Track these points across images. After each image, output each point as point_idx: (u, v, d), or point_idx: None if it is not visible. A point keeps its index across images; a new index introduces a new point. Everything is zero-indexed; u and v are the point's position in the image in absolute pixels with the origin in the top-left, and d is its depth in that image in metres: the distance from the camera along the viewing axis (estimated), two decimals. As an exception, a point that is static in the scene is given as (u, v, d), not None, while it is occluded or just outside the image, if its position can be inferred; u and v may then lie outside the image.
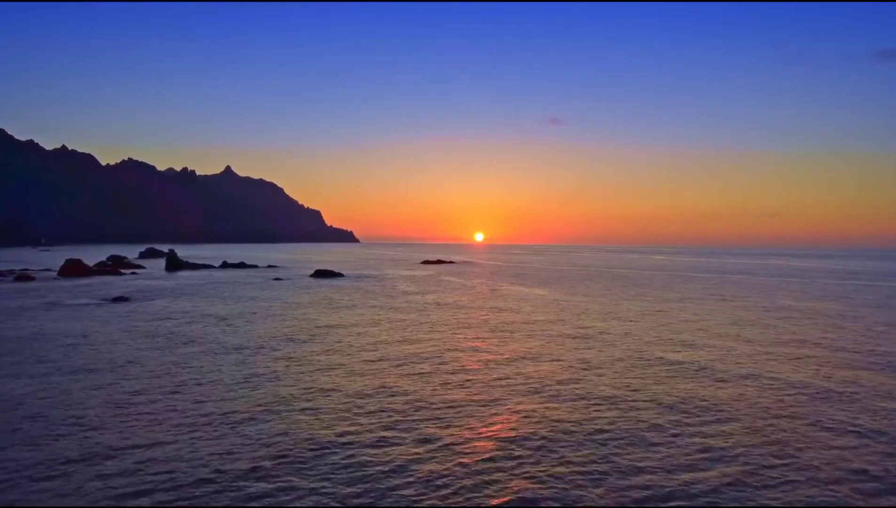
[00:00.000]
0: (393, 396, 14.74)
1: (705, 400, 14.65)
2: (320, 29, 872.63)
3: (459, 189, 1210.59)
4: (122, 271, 64.45)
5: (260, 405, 13.69)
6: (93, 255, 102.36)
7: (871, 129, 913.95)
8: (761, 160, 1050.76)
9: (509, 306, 36.00)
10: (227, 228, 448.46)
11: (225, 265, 78.09)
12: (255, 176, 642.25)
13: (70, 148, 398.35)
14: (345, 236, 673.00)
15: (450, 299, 40.71)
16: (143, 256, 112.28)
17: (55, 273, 58.21)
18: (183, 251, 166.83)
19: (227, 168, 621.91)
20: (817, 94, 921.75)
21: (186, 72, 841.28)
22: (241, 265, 78.53)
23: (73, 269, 56.89)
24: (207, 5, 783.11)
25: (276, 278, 57.99)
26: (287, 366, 18.09)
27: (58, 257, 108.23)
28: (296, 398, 14.31)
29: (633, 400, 14.58)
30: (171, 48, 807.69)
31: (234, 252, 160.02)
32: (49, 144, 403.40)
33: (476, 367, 18.38)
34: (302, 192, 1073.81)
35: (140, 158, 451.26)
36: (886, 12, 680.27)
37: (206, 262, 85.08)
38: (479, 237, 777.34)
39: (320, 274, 63.23)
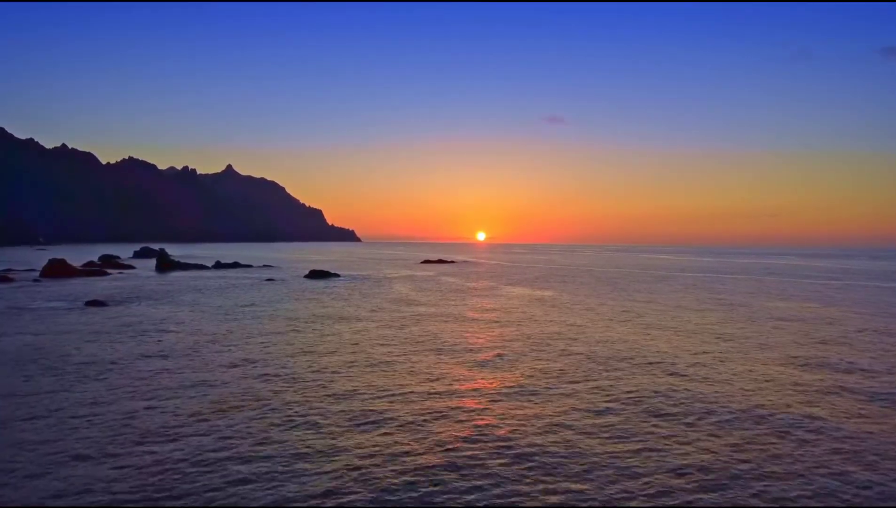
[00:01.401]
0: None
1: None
2: (321, 29, 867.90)
3: (461, 188, 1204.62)
4: (109, 271, 62.23)
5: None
6: (88, 254, 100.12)
7: (873, 128, 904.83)
8: (763, 160, 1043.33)
9: (506, 318, 33.61)
10: (228, 227, 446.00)
11: (218, 265, 75.83)
12: (257, 175, 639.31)
13: (70, 147, 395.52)
14: (346, 236, 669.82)
15: (443, 303, 38.39)
16: (137, 255, 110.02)
17: (38, 274, 55.92)
18: (182, 250, 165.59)
19: (229, 167, 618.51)
20: (820, 92, 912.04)
21: (187, 71, 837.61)
22: (235, 265, 76.30)
23: (57, 269, 54.61)
24: (208, 5, 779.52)
25: (269, 279, 55.72)
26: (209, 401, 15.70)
27: (51, 256, 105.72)
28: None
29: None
30: (171, 47, 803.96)
31: (233, 251, 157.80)
32: (49, 143, 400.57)
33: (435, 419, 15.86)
34: (303, 191, 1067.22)
35: (141, 157, 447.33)
36: (891, 9, 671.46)
37: (200, 262, 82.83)
38: (481, 237, 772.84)
39: (315, 275, 60.91)
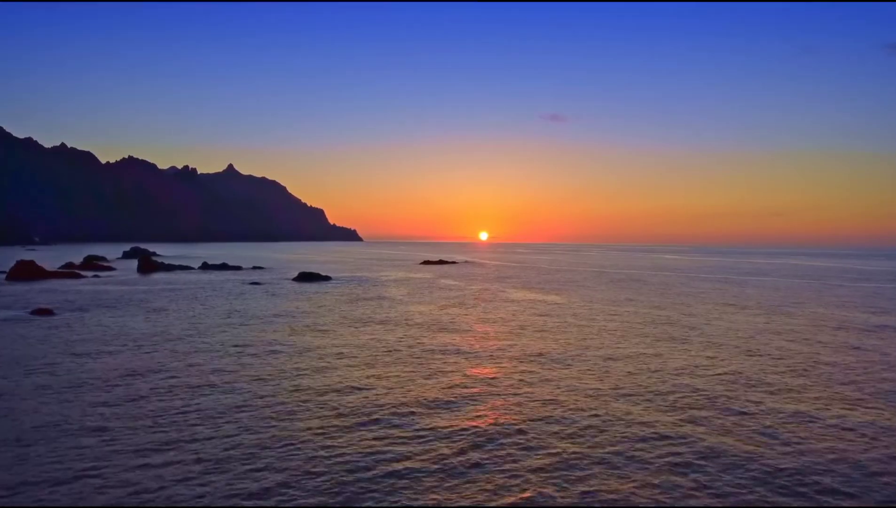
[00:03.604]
0: None
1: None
2: (322, 29, 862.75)
3: (463, 187, 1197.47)
4: (85, 273, 58.20)
5: None
6: (78, 254, 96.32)
7: (878, 126, 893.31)
8: (766, 158, 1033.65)
9: (516, 342, 29.37)
10: (229, 226, 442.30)
11: (205, 267, 71.81)
12: (258, 175, 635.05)
13: (69, 146, 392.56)
14: (348, 235, 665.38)
15: (438, 313, 34.30)
16: (126, 255, 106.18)
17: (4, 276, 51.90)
18: (180, 250, 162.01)
19: (230, 166, 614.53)
20: (824, 90, 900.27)
21: (188, 70, 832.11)
22: (223, 267, 72.17)
23: (24, 272, 50.64)
24: (208, 5, 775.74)
25: (253, 283, 51.67)
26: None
27: (39, 256, 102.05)
28: None
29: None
30: (172, 46, 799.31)
31: (231, 252, 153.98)
32: (48, 142, 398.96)
33: None
34: (305, 191, 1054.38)
35: (140, 157, 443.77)
36: (894, 5, 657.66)
37: (187, 263, 78.79)
38: (483, 236, 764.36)
39: (304, 277, 56.80)
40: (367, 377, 17.02)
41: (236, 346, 21.67)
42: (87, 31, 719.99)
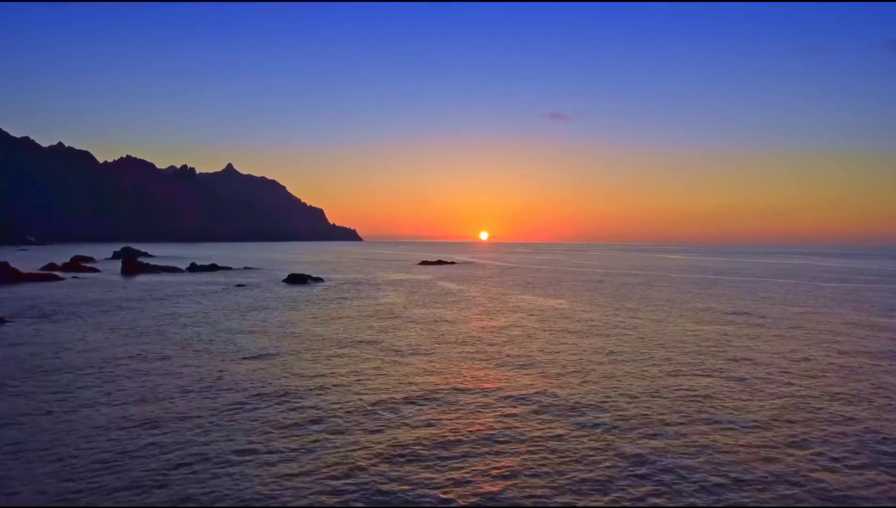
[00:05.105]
0: None
1: None
2: (322, 28, 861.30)
3: (464, 187, 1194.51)
4: (63, 275, 55.40)
5: None
6: (69, 254, 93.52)
7: (878, 127, 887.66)
8: (767, 158, 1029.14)
9: (517, 352, 26.52)
10: (229, 226, 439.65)
11: (192, 268, 68.92)
12: (257, 174, 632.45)
13: (67, 145, 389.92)
14: (348, 235, 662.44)
15: (432, 322, 31.55)
16: (116, 255, 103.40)
17: (-22, 279, 49.12)
18: (177, 251, 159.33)
19: (229, 166, 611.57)
20: (823, 90, 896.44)
21: (186, 69, 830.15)
22: (212, 268, 69.36)
23: (-4, 274, 47.86)
24: (208, 5, 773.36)
25: (239, 285, 48.95)
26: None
27: (29, 256, 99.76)
28: None
29: None
30: (171, 46, 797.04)
31: (229, 252, 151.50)
32: (45, 141, 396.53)
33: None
34: (304, 190, 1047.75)
35: (139, 156, 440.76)
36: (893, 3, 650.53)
37: (176, 264, 75.97)
38: (483, 236, 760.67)
39: (293, 279, 54.01)
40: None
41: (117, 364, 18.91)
42: (86, 31, 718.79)
